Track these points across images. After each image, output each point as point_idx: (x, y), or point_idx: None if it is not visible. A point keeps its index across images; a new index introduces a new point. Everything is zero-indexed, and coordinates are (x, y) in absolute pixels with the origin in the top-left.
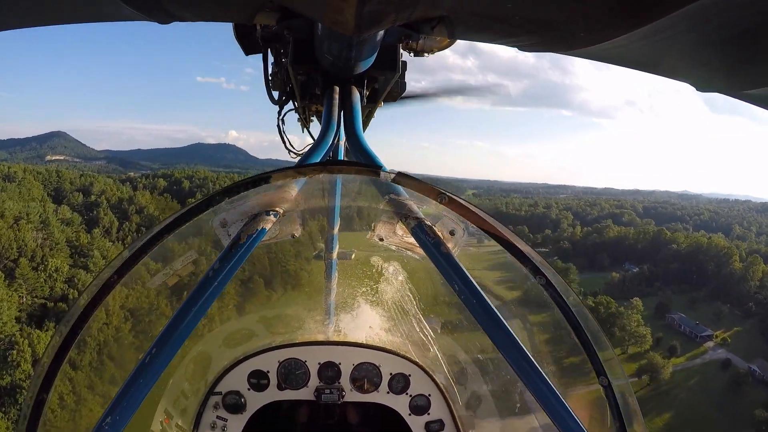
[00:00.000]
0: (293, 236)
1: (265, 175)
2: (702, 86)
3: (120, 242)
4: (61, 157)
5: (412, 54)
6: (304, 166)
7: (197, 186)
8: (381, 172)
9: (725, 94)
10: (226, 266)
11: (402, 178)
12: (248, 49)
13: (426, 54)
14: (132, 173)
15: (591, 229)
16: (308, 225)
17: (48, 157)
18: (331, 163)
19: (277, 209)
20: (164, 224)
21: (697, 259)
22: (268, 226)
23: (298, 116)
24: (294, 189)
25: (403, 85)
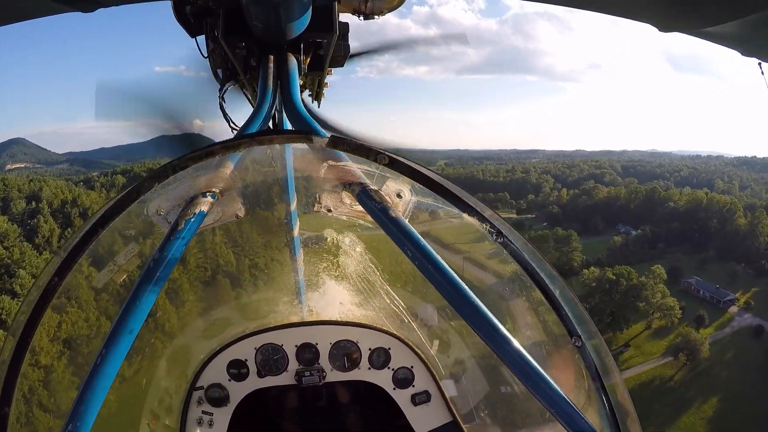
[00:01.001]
0: (237, 217)
1: (190, 155)
2: (664, 26)
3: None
4: (22, 165)
5: (361, 18)
6: (231, 140)
7: None
8: (314, 137)
9: (686, 32)
10: (167, 255)
11: (336, 141)
12: (193, 31)
13: (376, 16)
14: (92, 174)
15: (578, 191)
16: (261, 202)
17: (8, 166)
18: (260, 134)
19: (214, 190)
20: (96, 218)
21: (698, 217)
22: (206, 209)
23: (243, 93)
24: (230, 167)
25: (347, 48)
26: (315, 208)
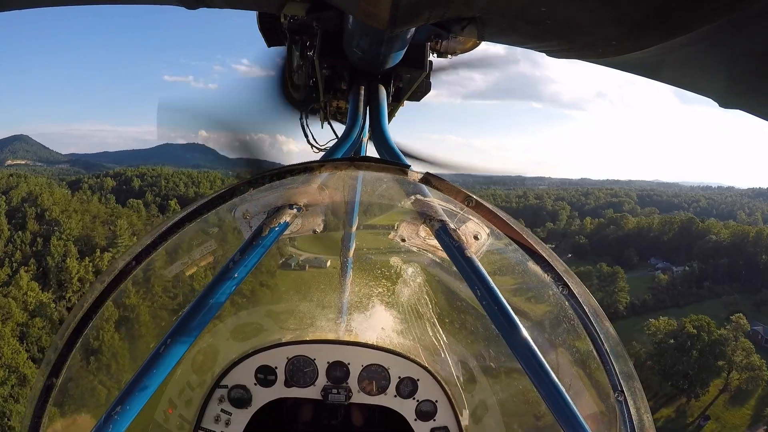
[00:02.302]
0: (314, 232)
1: (289, 167)
2: (725, 103)
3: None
4: (23, 162)
5: (435, 55)
6: (330, 160)
7: (148, 185)
8: (409, 171)
9: (748, 111)
10: (245, 258)
11: (430, 178)
12: (271, 41)
13: (449, 55)
14: (84, 175)
15: (604, 221)
16: (328, 221)
17: (8, 162)
18: (358, 160)
19: (300, 203)
20: (187, 212)
21: (746, 252)
22: (290, 220)
23: (318, 111)
24: (317, 184)
25: (428, 85)
26: (390, 236)
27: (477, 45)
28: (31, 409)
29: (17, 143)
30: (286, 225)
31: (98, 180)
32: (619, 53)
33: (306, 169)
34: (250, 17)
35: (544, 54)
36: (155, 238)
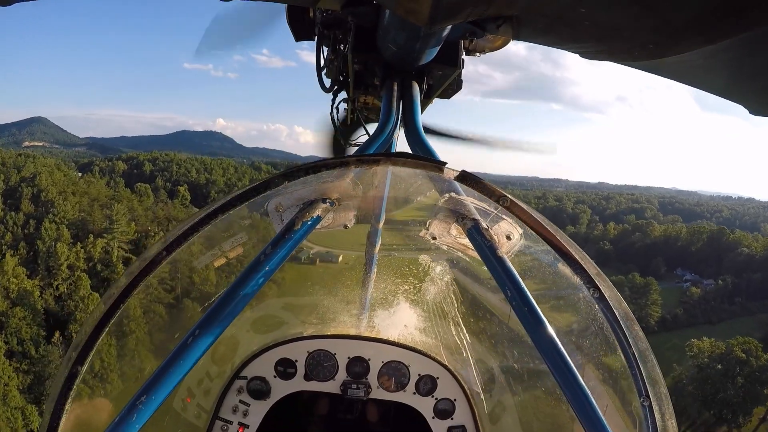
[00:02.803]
0: (345, 227)
1: (324, 161)
2: (756, 110)
3: None
4: (40, 143)
5: (464, 53)
6: (367, 156)
7: (159, 170)
8: (445, 169)
9: None
10: (278, 251)
11: (466, 176)
12: (299, 35)
13: (478, 54)
14: (96, 158)
15: (629, 227)
16: (359, 217)
17: (25, 143)
18: (395, 155)
19: (333, 197)
20: (221, 203)
21: None
22: (322, 214)
23: (346, 105)
24: (350, 178)
25: (460, 83)
26: (421, 233)
27: (506, 44)
28: (54, 395)
29: (35, 125)
30: (319, 219)
31: (110, 163)
32: (653, 57)
33: (342, 163)
34: (276, 8)
35: (567, 53)
36: (188, 228)
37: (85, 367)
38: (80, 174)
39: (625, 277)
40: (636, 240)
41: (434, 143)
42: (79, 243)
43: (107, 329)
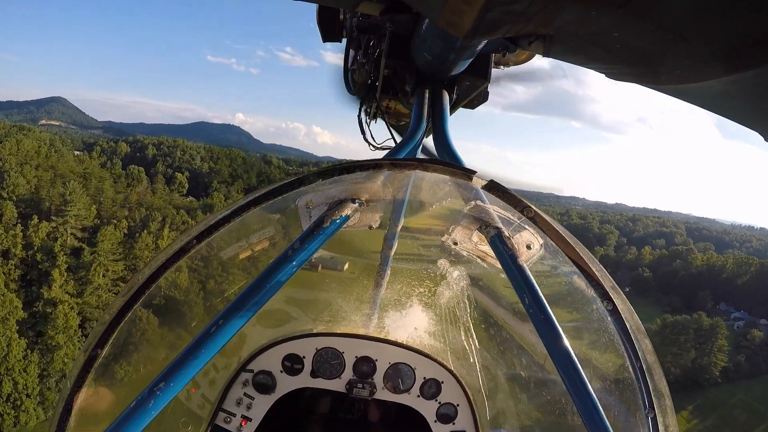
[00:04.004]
0: (371, 227)
1: (359, 163)
2: None
3: None
4: (56, 123)
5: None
6: (400, 160)
7: (162, 155)
8: (474, 177)
9: None
10: (305, 247)
11: (494, 186)
12: (327, 36)
13: (502, 66)
14: (101, 139)
15: (667, 252)
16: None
17: (42, 121)
18: (428, 161)
19: (362, 198)
20: (254, 196)
21: None
22: (351, 214)
23: (370, 109)
24: (379, 180)
25: (486, 95)
26: (443, 238)
27: (530, 59)
28: (72, 378)
29: (54, 105)
30: (347, 218)
31: (114, 144)
32: (679, 83)
33: (375, 165)
34: (302, 7)
35: (590, 71)
36: (219, 219)
37: (105, 351)
38: (77, 153)
39: (690, 317)
40: (678, 268)
41: (461, 127)
42: (19, 225)
43: (129, 315)
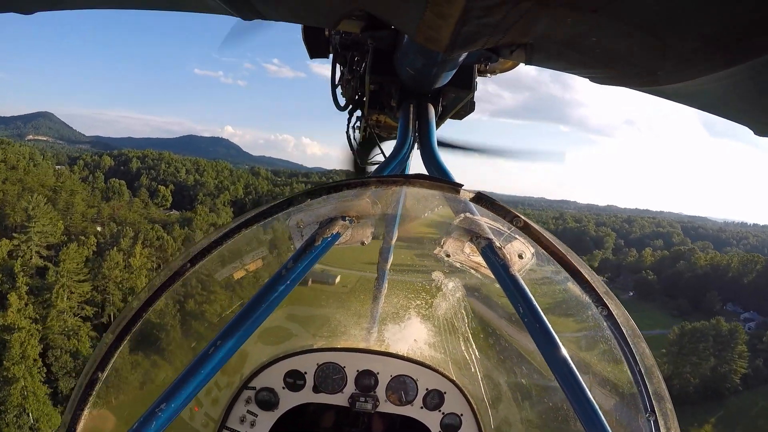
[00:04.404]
0: (363, 243)
1: (346, 182)
2: (761, 130)
3: None
4: (43, 138)
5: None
6: (386, 177)
7: (147, 168)
8: (461, 190)
9: None
10: (298, 266)
11: (481, 198)
12: (313, 53)
13: (488, 75)
14: (85, 153)
15: (669, 254)
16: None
17: (29, 137)
18: (413, 177)
19: (352, 215)
20: (245, 218)
21: None
22: (342, 231)
23: (360, 125)
24: (368, 197)
25: (472, 105)
26: (435, 251)
27: (516, 65)
28: (74, 401)
29: (41, 120)
30: (338, 236)
31: (96, 158)
32: (662, 83)
33: (362, 183)
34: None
35: (577, 76)
36: (211, 242)
37: (105, 374)
38: (58, 167)
39: (708, 322)
40: (682, 270)
41: (446, 156)
42: None
43: (129, 338)
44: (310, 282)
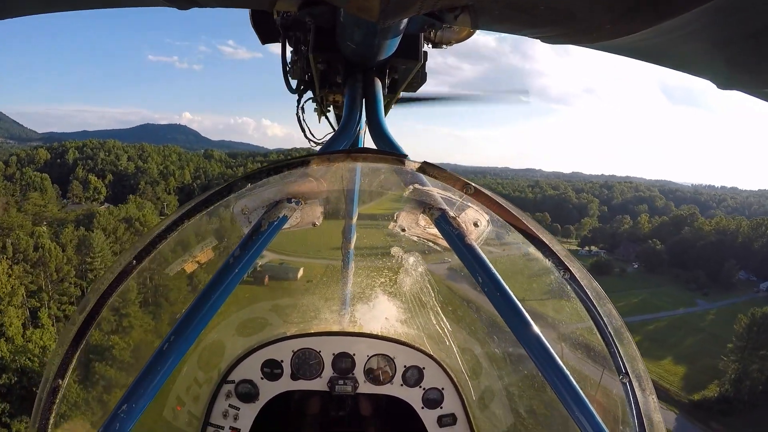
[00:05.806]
0: (314, 225)
1: (287, 161)
2: (722, 83)
3: None
4: None
5: (430, 45)
6: (327, 153)
7: (85, 158)
8: (406, 161)
9: (745, 92)
10: (246, 253)
11: (427, 167)
12: (265, 38)
13: (444, 45)
14: (20, 148)
15: (668, 219)
16: (327, 214)
17: None
18: (355, 151)
19: (298, 197)
20: (185, 209)
21: None
22: (289, 214)
23: (315, 105)
24: (315, 177)
25: (424, 76)
26: (390, 227)
27: (471, 35)
28: (38, 411)
29: None
30: (285, 219)
31: (31, 151)
32: (612, 38)
33: (303, 162)
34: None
35: (536, 44)
36: (154, 237)
37: (66, 381)
38: None
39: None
40: (690, 237)
41: (415, 110)
42: None
43: (84, 342)
44: (266, 281)
